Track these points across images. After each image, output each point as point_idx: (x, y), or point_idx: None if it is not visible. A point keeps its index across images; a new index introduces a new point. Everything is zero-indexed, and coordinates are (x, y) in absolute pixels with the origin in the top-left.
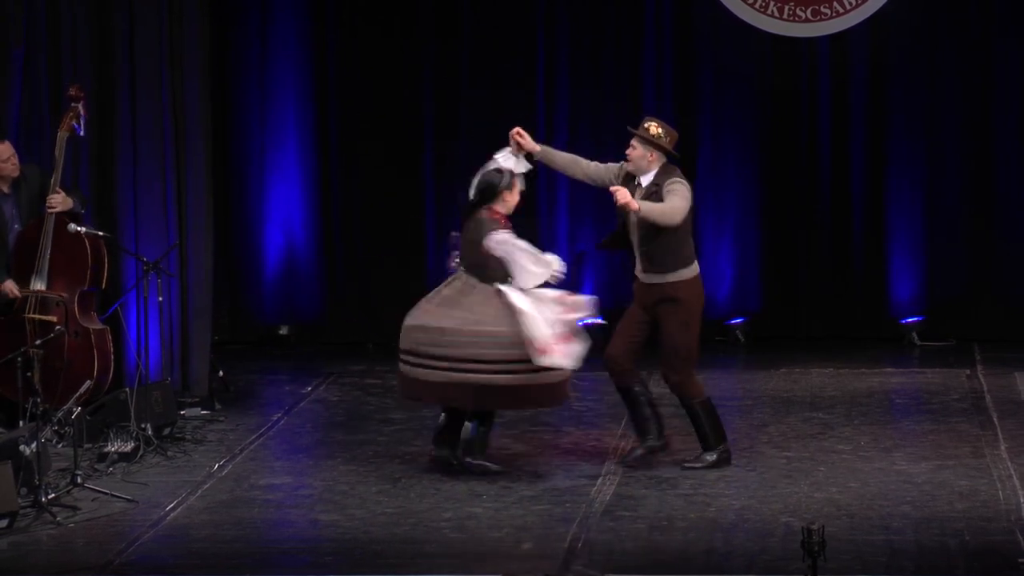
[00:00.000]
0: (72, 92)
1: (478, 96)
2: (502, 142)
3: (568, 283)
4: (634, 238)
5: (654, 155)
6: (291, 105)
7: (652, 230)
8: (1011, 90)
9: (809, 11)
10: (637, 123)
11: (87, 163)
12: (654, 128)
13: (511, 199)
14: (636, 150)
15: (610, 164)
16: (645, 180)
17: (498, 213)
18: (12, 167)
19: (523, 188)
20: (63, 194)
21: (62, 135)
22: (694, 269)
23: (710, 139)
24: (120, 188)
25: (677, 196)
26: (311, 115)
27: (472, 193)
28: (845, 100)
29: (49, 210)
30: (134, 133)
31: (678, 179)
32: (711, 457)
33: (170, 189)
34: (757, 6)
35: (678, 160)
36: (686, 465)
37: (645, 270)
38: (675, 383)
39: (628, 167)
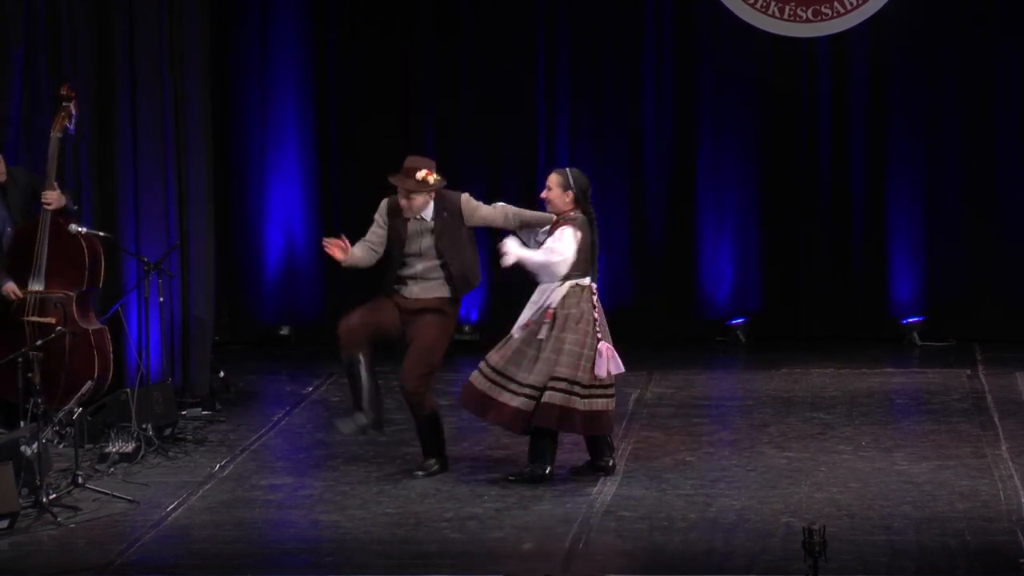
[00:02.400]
0: (63, 92)
1: (478, 96)
2: (502, 142)
3: None
4: (417, 264)
5: (433, 195)
6: (291, 105)
7: (448, 247)
8: (1011, 90)
9: (810, 11)
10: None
11: (87, 163)
12: (429, 176)
13: None
14: (418, 200)
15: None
16: (426, 214)
17: None
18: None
19: None
20: (58, 191)
21: (55, 135)
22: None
23: (710, 139)
24: (121, 188)
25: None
26: (311, 115)
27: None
28: (845, 100)
29: (45, 206)
30: (134, 133)
31: (460, 193)
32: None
33: (171, 190)
34: (758, 6)
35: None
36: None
37: (418, 293)
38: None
39: (406, 213)
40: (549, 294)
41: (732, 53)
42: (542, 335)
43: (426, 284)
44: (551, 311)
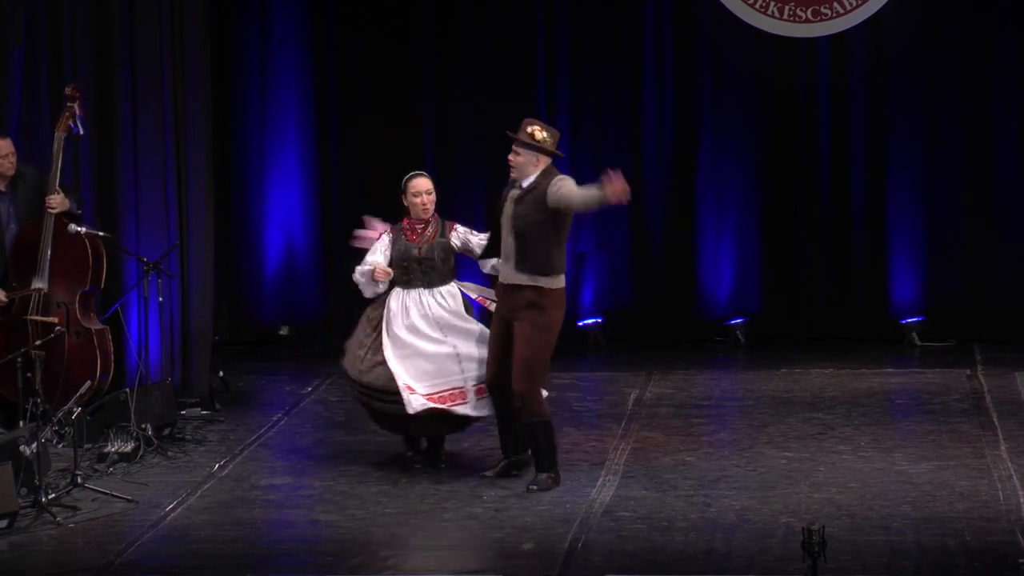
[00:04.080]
0: (68, 91)
1: (478, 96)
2: (502, 143)
3: (569, 284)
4: (505, 239)
5: (540, 159)
6: (291, 105)
7: (526, 227)
8: (1011, 91)
9: (809, 11)
10: (516, 128)
11: (88, 163)
12: (539, 132)
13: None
14: (521, 156)
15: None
16: (526, 183)
17: None
18: (9, 165)
19: None
20: (62, 195)
21: (59, 135)
22: (560, 281)
23: (710, 139)
24: (121, 188)
25: (567, 192)
26: (311, 115)
27: None
28: (845, 100)
29: (49, 210)
30: (135, 133)
31: (562, 177)
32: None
33: (171, 189)
34: (757, 6)
35: (560, 158)
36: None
37: (510, 274)
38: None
39: (513, 174)
40: None
41: (732, 53)
42: None
43: (506, 266)
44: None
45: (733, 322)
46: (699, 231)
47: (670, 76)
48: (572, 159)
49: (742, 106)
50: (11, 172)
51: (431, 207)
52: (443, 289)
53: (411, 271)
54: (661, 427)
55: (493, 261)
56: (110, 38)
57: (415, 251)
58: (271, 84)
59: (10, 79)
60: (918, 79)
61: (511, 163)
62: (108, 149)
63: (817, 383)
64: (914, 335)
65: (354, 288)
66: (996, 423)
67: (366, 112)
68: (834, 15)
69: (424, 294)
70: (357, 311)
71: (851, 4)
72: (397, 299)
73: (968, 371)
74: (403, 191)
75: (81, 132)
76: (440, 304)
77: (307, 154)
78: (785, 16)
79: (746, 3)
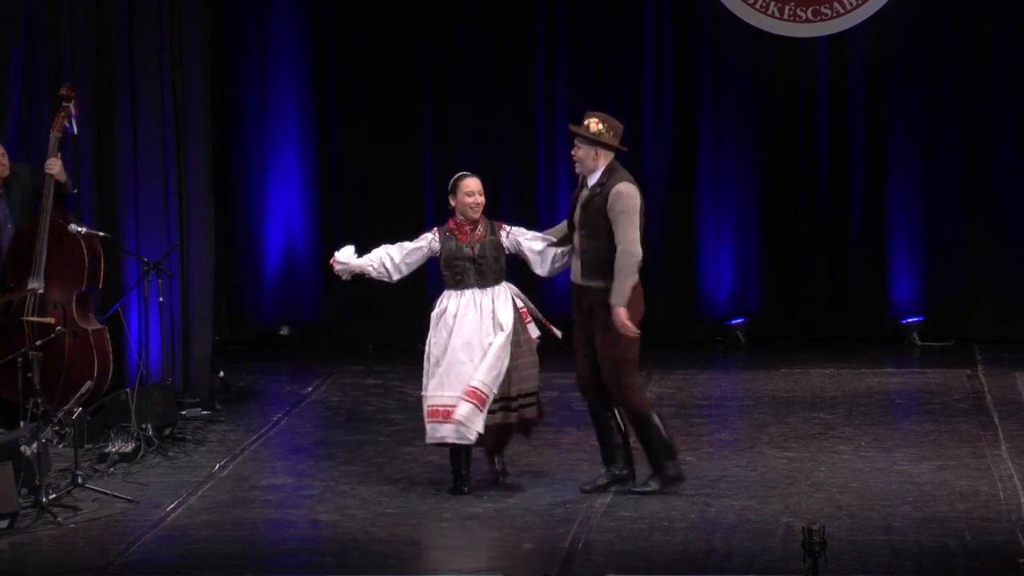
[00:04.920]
0: (63, 92)
1: (478, 97)
2: (502, 143)
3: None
4: (576, 238)
5: (599, 153)
6: (291, 105)
7: (594, 232)
8: (1010, 91)
9: (809, 11)
10: (579, 120)
11: (88, 163)
12: (595, 124)
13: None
14: (580, 150)
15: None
16: (592, 180)
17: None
18: (2, 167)
19: None
20: (60, 163)
21: (55, 135)
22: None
23: (710, 139)
24: (121, 188)
25: (624, 220)
26: (311, 115)
27: None
28: (845, 100)
29: (47, 171)
30: (134, 133)
31: (622, 186)
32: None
33: (171, 190)
34: (757, 6)
35: (625, 153)
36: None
37: (583, 275)
38: (614, 396)
39: (577, 168)
40: None
41: (732, 53)
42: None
43: (577, 265)
44: None
45: (733, 322)
46: (699, 231)
47: (670, 76)
48: (573, 159)
49: (742, 106)
50: (4, 173)
51: (481, 206)
52: (496, 289)
53: (464, 271)
54: None
55: (554, 260)
56: (110, 38)
57: (468, 251)
58: (271, 84)
59: (10, 79)
60: (917, 79)
61: (573, 157)
62: (108, 149)
63: (817, 383)
64: (914, 335)
65: (354, 288)
66: (996, 423)
67: (366, 112)
68: (834, 15)
69: (478, 294)
70: (357, 311)
71: (851, 4)
72: (451, 301)
73: (968, 371)
74: (452, 191)
75: (75, 132)
76: (494, 304)
77: (307, 154)
78: (785, 16)
79: (746, 3)
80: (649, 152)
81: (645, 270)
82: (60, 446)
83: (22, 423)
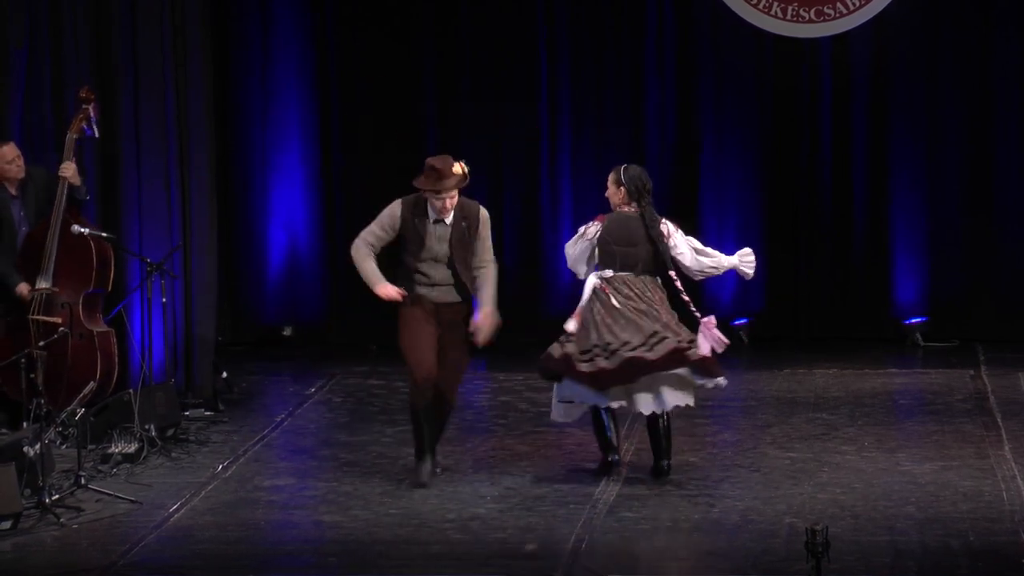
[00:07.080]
0: (83, 94)
1: (480, 96)
2: (504, 142)
3: (571, 285)
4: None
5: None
6: (293, 106)
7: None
8: (1012, 91)
9: (812, 11)
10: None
11: (91, 164)
12: (460, 167)
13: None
14: (454, 197)
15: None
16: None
17: None
18: (17, 169)
19: None
20: (75, 166)
21: (71, 137)
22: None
23: (712, 139)
24: (124, 189)
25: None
26: (313, 115)
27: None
28: (847, 101)
29: (62, 174)
30: (137, 134)
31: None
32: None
33: (173, 190)
34: (760, 6)
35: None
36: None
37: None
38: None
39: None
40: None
41: (734, 53)
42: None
43: (442, 289)
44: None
45: (736, 323)
46: (701, 231)
47: (672, 76)
48: (573, 159)
49: (744, 106)
50: (20, 175)
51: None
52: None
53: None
54: None
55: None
56: (112, 39)
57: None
58: (273, 84)
59: (12, 80)
60: (919, 79)
61: (444, 209)
62: (111, 150)
63: (820, 383)
64: (917, 335)
65: (356, 289)
66: (1000, 423)
67: (368, 112)
68: (836, 15)
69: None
70: (360, 312)
71: (853, 5)
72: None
73: (971, 371)
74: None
75: (97, 135)
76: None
77: (309, 154)
78: (787, 16)
79: (748, 3)
80: (651, 152)
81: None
82: (63, 447)
83: (25, 424)
